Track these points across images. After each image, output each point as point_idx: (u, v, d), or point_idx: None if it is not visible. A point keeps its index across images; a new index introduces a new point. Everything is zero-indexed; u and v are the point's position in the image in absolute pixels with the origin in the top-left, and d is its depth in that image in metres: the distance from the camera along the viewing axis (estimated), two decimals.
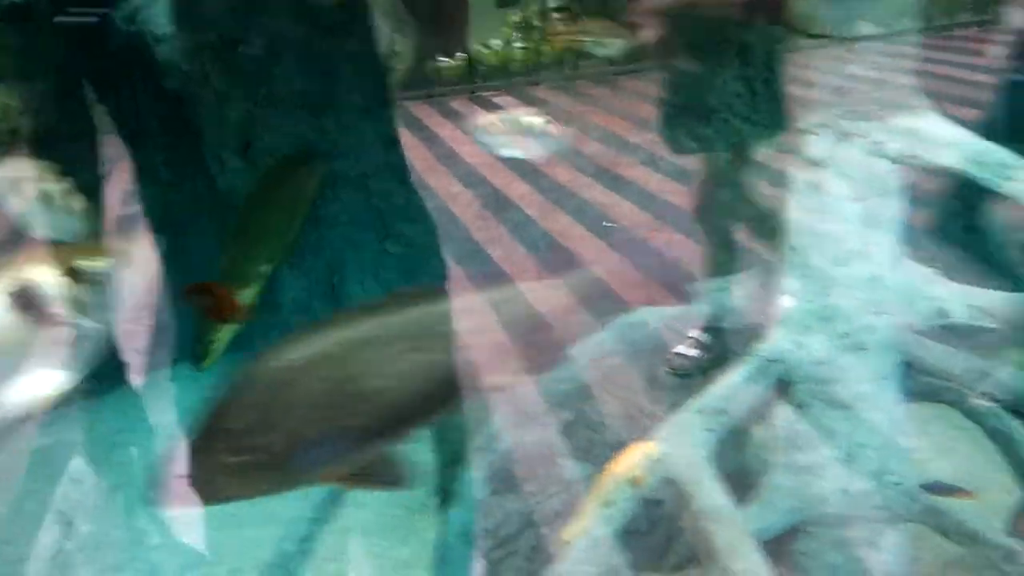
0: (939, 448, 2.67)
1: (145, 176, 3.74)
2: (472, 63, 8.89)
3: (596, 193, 5.76)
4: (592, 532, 1.59)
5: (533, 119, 1.87)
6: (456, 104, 8.67)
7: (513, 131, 1.87)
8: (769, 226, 2.51)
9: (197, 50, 2.99)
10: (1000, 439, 2.04)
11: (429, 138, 7.89)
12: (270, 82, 3.52)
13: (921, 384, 2.07)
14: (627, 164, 6.22)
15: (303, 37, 3.43)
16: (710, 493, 1.60)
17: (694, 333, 2.54)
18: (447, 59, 8.66)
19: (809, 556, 1.90)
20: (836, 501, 1.84)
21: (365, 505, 3.07)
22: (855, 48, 1.62)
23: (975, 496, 1.94)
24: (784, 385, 1.83)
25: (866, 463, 1.82)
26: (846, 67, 1.63)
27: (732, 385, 1.73)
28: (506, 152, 1.88)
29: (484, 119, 1.87)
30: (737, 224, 2.53)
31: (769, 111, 2.27)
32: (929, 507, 1.83)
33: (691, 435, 1.65)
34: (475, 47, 8.90)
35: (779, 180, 1.77)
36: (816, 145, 1.68)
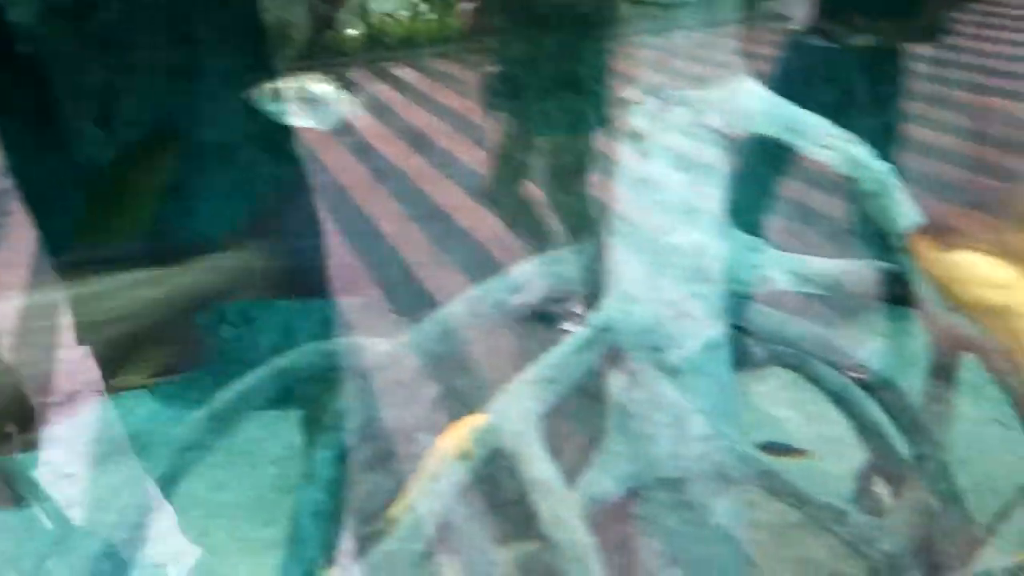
0: (808, 414, 2.76)
1: (9, 148, 3.56)
2: (375, 34, 8.74)
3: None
4: (418, 508, 1.58)
5: (323, 88, 1.83)
6: (353, 75, 8.52)
7: (298, 99, 1.82)
8: (574, 204, 2.60)
9: (51, 12, 2.85)
10: (843, 404, 2.12)
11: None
12: (130, 48, 3.38)
13: (764, 349, 2.13)
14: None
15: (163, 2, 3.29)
16: (537, 464, 1.61)
17: (575, 308, 2.56)
18: (350, 30, 8.48)
19: (647, 520, 1.94)
20: (669, 465, 1.88)
21: (226, 486, 3.02)
22: (676, 15, 1.63)
23: (811, 456, 2.01)
24: (616, 353, 1.86)
25: (696, 428, 1.86)
26: (666, 33, 1.64)
27: (562, 355, 1.74)
28: (288, 120, 1.83)
29: (269, 85, 1.82)
30: (532, 199, 2.60)
31: (598, 87, 2.30)
32: (761, 470, 1.88)
33: (520, 405, 1.65)
34: (380, 18, 8.75)
35: (605, 154, 1.78)
36: (639, 116, 1.69)
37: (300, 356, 2.05)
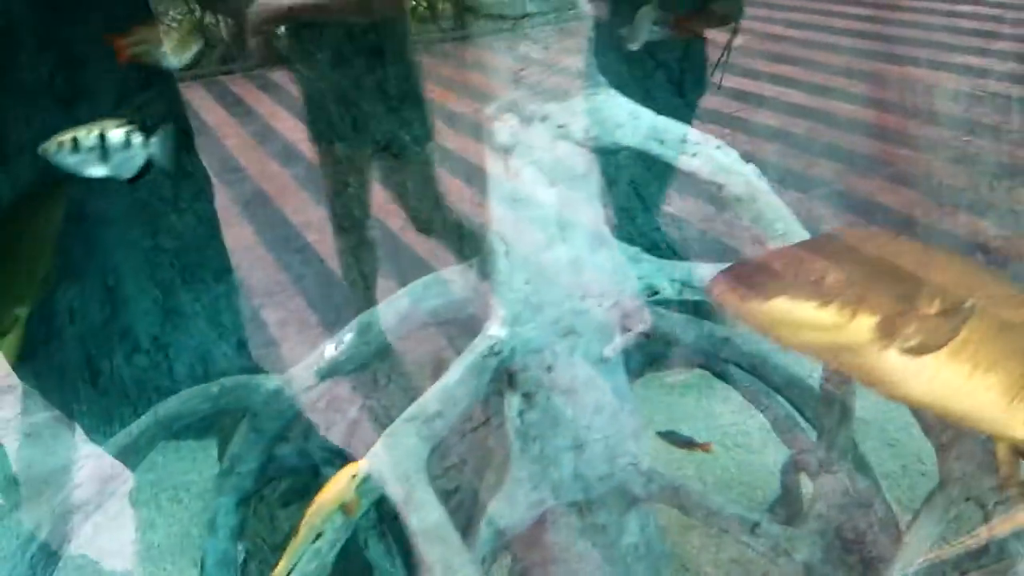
0: (740, 407, 2.72)
1: None
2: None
3: None
4: (302, 569, 1.51)
5: (123, 134, 1.70)
6: (278, 78, 8.34)
7: (94, 148, 1.69)
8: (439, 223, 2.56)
9: None
10: (753, 400, 2.08)
11: (245, 114, 7.55)
12: (15, 70, 3.23)
13: (673, 352, 2.08)
14: None
15: (45, 21, 3.15)
16: (423, 509, 1.54)
17: None
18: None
19: (560, 546, 1.88)
20: (574, 488, 1.82)
21: (156, 527, 2.92)
22: (526, 28, 1.55)
23: (711, 450, 1.96)
24: (509, 376, 1.79)
25: (596, 447, 1.80)
26: (520, 48, 1.56)
27: (446, 387, 1.66)
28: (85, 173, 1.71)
29: (66, 136, 1.69)
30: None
31: (409, 108, 2.27)
32: (666, 486, 1.84)
33: (403, 447, 1.58)
34: None
35: (475, 169, 1.70)
36: (502, 131, 1.61)
37: (181, 402, 1.96)
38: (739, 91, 5.23)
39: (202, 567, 2.11)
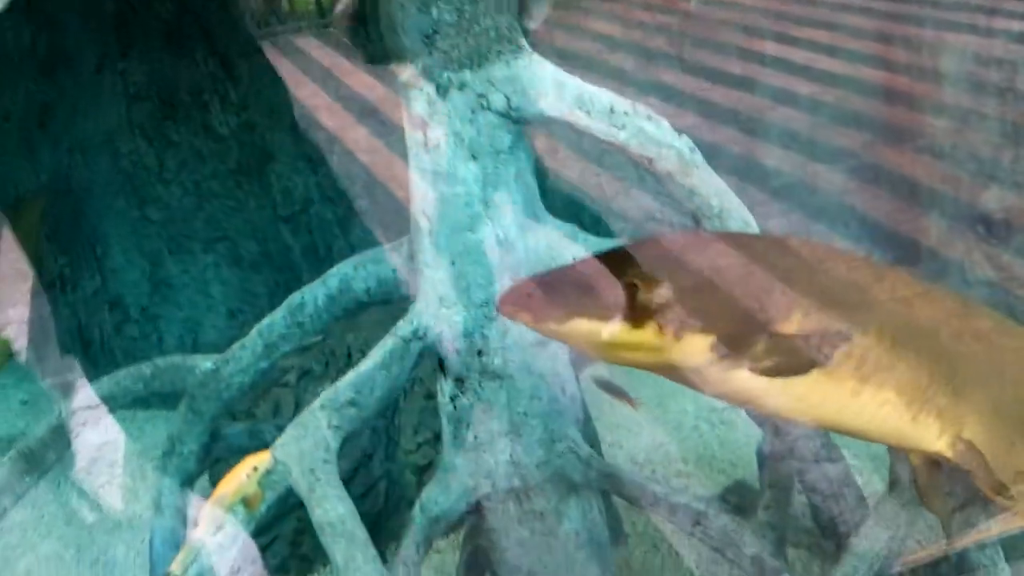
0: None
1: None
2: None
3: None
4: (202, 562, 1.44)
5: None
6: (301, 42, 8.24)
7: None
8: None
9: None
10: None
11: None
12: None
13: None
14: None
15: None
16: (327, 502, 1.46)
17: None
18: None
19: (497, 533, 1.80)
20: (509, 474, 1.73)
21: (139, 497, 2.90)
22: None
23: (635, 407, 1.83)
24: (440, 360, 1.70)
25: (532, 432, 1.71)
26: (433, 8, 1.44)
27: (363, 373, 1.58)
28: None
29: None
30: None
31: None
32: (606, 473, 1.74)
33: (310, 438, 1.50)
34: None
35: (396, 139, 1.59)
36: (418, 100, 1.50)
37: (113, 383, 1.90)
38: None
39: (150, 545, 2.07)
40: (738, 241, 1.10)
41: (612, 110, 1.45)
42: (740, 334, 0.94)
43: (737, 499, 2.05)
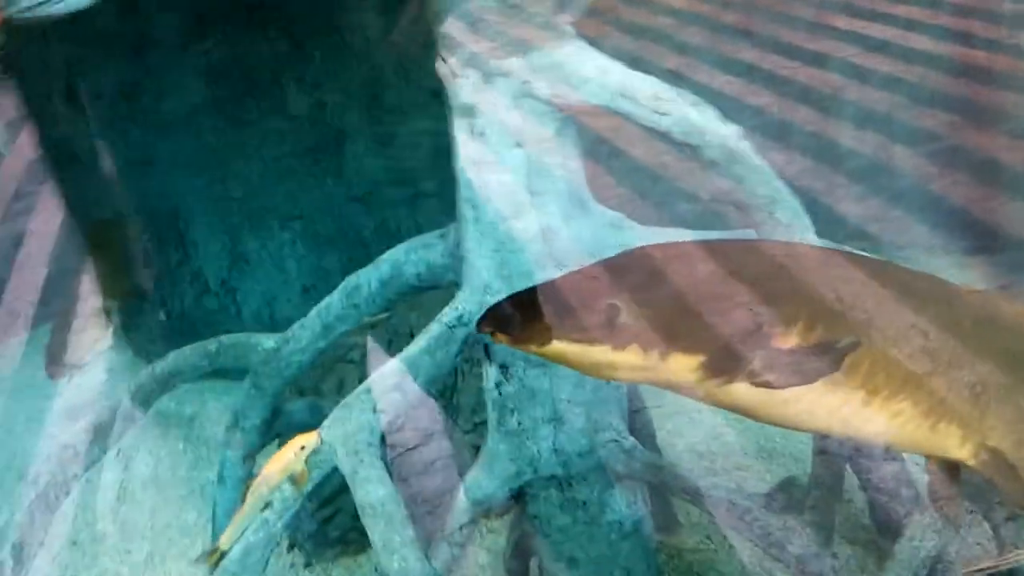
0: None
1: None
2: None
3: None
4: (248, 538, 1.50)
5: None
6: None
7: None
8: None
9: None
10: None
11: None
12: (91, 20, 3.32)
13: None
14: None
15: None
16: (368, 484, 1.49)
17: None
18: None
19: (540, 520, 1.81)
20: (552, 462, 1.74)
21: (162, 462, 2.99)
22: None
23: None
24: (486, 347, 1.71)
25: (575, 421, 1.70)
26: None
27: (407, 359, 1.60)
28: None
29: None
30: None
31: None
32: (649, 464, 1.72)
33: (355, 420, 1.53)
34: None
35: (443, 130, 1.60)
36: (464, 90, 1.50)
37: (180, 359, 1.98)
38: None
39: (213, 515, 2.15)
40: (733, 250, 1.05)
41: (656, 97, 1.43)
42: (732, 350, 0.91)
43: (787, 496, 2.00)
